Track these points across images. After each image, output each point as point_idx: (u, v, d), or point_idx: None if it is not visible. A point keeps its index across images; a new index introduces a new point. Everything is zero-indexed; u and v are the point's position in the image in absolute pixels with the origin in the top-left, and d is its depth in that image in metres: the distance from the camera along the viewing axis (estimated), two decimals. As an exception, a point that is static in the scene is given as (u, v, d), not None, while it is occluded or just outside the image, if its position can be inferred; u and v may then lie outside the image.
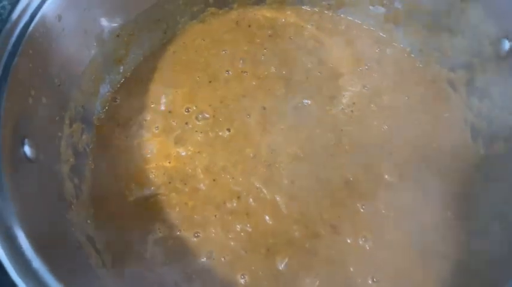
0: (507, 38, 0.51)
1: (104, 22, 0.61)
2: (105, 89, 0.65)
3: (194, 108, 0.65)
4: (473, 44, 0.56)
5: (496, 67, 0.53)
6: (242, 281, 0.54)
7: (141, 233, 0.57)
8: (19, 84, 0.46)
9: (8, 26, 0.47)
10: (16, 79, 0.46)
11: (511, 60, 0.51)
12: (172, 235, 0.57)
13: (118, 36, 0.64)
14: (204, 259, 0.55)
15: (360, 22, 0.70)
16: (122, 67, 0.67)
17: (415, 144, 0.61)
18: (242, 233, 0.56)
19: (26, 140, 0.46)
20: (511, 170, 0.51)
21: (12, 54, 0.45)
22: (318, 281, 0.53)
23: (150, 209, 0.59)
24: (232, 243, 0.56)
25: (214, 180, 0.60)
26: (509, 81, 0.52)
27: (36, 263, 0.38)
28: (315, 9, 0.72)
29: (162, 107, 0.65)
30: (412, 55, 0.67)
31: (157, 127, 0.64)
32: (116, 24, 0.62)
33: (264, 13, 0.72)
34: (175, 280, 0.54)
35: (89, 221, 0.57)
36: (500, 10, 0.50)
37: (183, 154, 0.62)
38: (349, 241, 0.56)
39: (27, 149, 0.46)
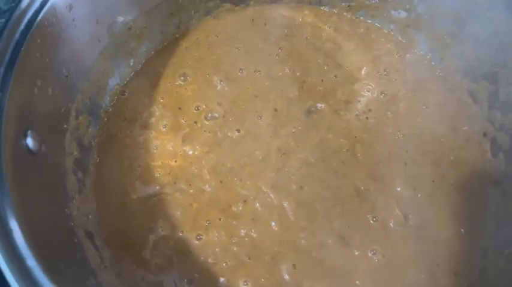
0: (536, 50, 0.48)
1: (116, 14, 0.59)
2: (114, 82, 0.64)
3: (204, 106, 0.63)
4: (499, 55, 0.53)
5: (523, 80, 0.51)
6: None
7: (143, 231, 0.55)
8: (25, 73, 0.45)
9: (17, 13, 0.46)
10: (22, 68, 0.44)
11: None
12: (174, 236, 0.55)
13: (130, 28, 0.62)
14: (205, 263, 0.53)
15: (379, 26, 0.68)
16: (132, 60, 0.65)
17: (431, 156, 0.59)
18: (246, 239, 0.55)
19: (29, 132, 0.45)
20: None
21: (20, 42, 0.44)
22: (322, 293, 0.51)
23: (153, 208, 0.57)
24: (235, 248, 0.54)
25: (220, 182, 0.58)
26: (535, 95, 0.49)
27: (31, 261, 0.36)
28: (334, 10, 0.70)
29: (171, 103, 0.64)
30: (433, 63, 0.64)
31: (165, 124, 0.62)
32: (128, 17, 0.61)
33: (281, 12, 0.70)
34: (175, 282, 0.53)
35: (90, 216, 0.56)
36: (531, 20, 0.48)
37: (190, 153, 0.60)
38: (357, 253, 0.54)
39: (29, 141, 0.45)
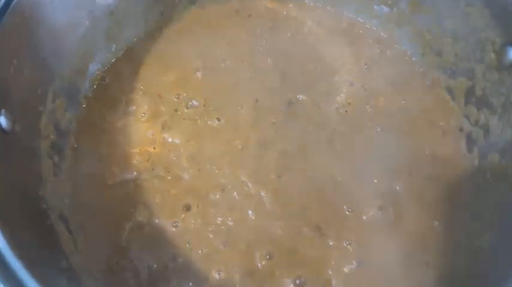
0: (512, 46, 0.49)
1: (98, -2, 0.59)
2: (94, 68, 0.63)
3: (185, 95, 0.63)
4: (476, 51, 0.54)
5: (499, 76, 0.52)
6: (217, 276, 0.52)
7: (118, 217, 0.55)
8: (1, 51, 0.44)
9: (-5, -10, 0.45)
10: (-2, 45, 0.43)
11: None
12: (150, 222, 0.55)
13: (112, 14, 0.62)
14: (180, 250, 0.53)
15: (362, 21, 0.69)
16: (114, 46, 0.65)
17: (408, 149, 0.59)
18: (223, 227, 0.55)
19: (3, 111, 0.44)
20: (503, 183, 0.49)
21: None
22: (296, 281, 0.51)
23: (130, 194, 0.57)
24: (211, 236, 0.54)
25: (199, 170, 0.58)
26: (511, 91, 0.50)
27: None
28: (318, 4, 0.70)
29: (152, 91, 0.63)
30: (413, 59, 0.65)
31: (145, 111, 0.62)
32: (110, 1, 0.60)
33: (266, 4, 0.70)
34: (149, 268, 0.52)
35: (66, 200, 0.55)
36: (508, 17, 0.49)
37: (169, 140, 0.60)
38: (331, 243, 0.54)
39: (2, 120, 0.44)
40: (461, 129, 0.59)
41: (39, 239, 0.45)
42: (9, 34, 0.45)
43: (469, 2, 0.53)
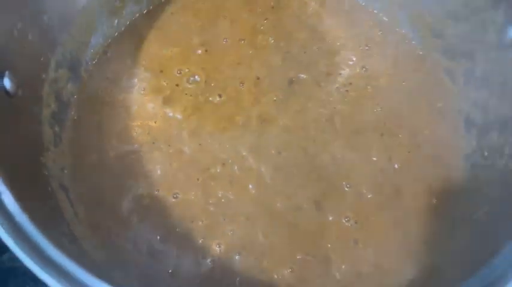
0: (513, 26, 0.50)
1: (102, -32, 0.58)
2: (96, 41, 0.63)
3: (186, 70, 0.63)
4: (477, 31, 0.55)
5: (499, 56, 0.52)
6: (217, 248, 0.53)
7: (118, 188, 0.55)
8: (5, 12, 0.44)
9: (0, -49, 0.45)
10: (3, 6, 0.43)
11: (514, 49, 0.50)
12: (150, 194, 0.55)
13: (115, -13, 0.62)
14: (180, 221, 0.53)
15: (364, 4, 0.69)
16: (116, 20, 0.65)
17: (408, 129, 0.60)
18: (223, 200, 0.55)
19: (7, 73, 0.44)
20: (500, 160, 0.50)
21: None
22: (296, 255, 0.52)
23: (130, 166, 0.57)
24: (211, 208, 0.54)
25: (200, 144, 0.58)
26: (510, 70, 0.51)
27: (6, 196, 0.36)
28: (321, -14, 0.70)
29: (154, 66, 0.63)
30: (414, 42, 0.66)
31: (146, 85, 0.62)
32: (114, -27, 0.60)
33: (270, -16, 0.70)
34: (149, 239, 0.53)
35: (65, 171, 0.55)
36: (509, -5, 0.50)
37: (170, 115, 0.60)
38: (330, 218, 0.54)
39: (6, 82, 0.44)
40: (459, 111, 0.59)
41: (41, 202, 0.45)
42: (14, -4, 0.45)
43: (472, -18, 0.54)
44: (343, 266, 0.52)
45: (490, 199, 0.48)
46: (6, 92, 0.44)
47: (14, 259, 0.32)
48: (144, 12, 0.67)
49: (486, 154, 0.53)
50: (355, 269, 0.52)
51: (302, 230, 0.54)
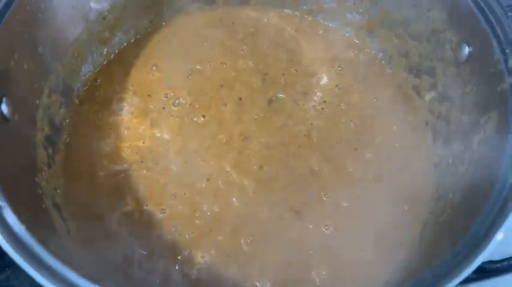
0: (466, 43, 0.55)
1: (92, 2, 0.63)
2: (87, 69, 0.67)
3: (172, 94, 0.67)
4: (437, 50, 0.60)
5: (456, 71, 0.57)
6: (203, 258, 0.55)
7: (109, 205, 0.58)
8: (4, 44, 0.48)
9: (-1, -11, 0.49)
10: (2, 38, 0.47)
11: (469, 64, 0.55)
12: (139, 209, 0.58)
13: (104, 18, 0.66)
14: (168, 235, 0.57)
15: (337, 28, 0.75)
16: (105, 49, 0.69)
17: (380, 142, 0.64)
18: (209, 213, 0.58)
19: (4, 99, 0.48)
20: (461, 166, 0.54)
21: (2, 13, 0.47)
22: (278, 261, 0.55)
23: (119, 184, 0.60)
24: (197, 221, 0.58)
25: (185, 162, 0.62)
26: (467, 84, 0.56)
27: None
28: (296, 13, 0.76)
29: (142, 91, 0.67)
30: (383, 61, 0.71)
31: (135, 109, 0.66)
32: (104, 6, 0.65)
33: (247, 13, 0.76)
34: (139, 253, 0.55)
35: (58, 190, 0.58)
36: (461, 16, 0.55)
37: (158, 135, 0.64)
38: (310, 226, 0.58)
39: (3, 107, 0.47)
40: (427, 123, 0.64)
41: (35, 216, 0.48)
42: (12, 28, 0.49)
43: (430, 6, 0.60)
44: (324, 272, 0.55)
45: (453, 203, 0.52)
46: (3, 116, 0.48)
47: (10, 278, 0.35)
48: (132, 41, 0.72)
49: (450, 161, 0.57)
50: (335, 273, 0.55)
51: (284, 238, 0.57)
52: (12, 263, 0.35)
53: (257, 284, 0.54)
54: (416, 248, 0.55)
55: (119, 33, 0.70)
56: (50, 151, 0.59)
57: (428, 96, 0.63)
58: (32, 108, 0.56)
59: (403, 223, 0.58)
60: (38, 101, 0.57)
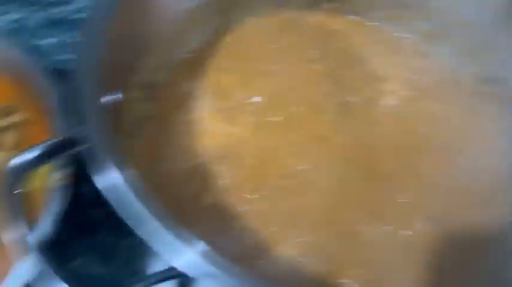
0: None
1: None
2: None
3: (247, 94, 0.69)
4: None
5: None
6: (283, 252, 0.56)
7: (186, 199, 0.60)
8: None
9: None
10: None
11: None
12: (217, 205, 0.59)
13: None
14: (248, 231, 0.58)
15: (405, 35, 0.76)
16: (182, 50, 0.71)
17: (451, 146, 0.65)
18: (289, 209, 0.59)
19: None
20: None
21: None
22: (361, 260, 0.56)
23: (198, 178, 0.62)
24: (278, 217, 0.59)
25: (263, 159, 0.63)
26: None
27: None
28: (365, 20, 0.77)
29: (216, 91, 0.69)
30: (453, 68, 0.72)
31: (211, 107, 0.68)
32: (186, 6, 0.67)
33: (317, 18, 0.77)
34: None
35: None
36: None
37: (235, 133, 0.65)
38: (390, 228, 0.59)
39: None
40: (504, 132, 0.65)
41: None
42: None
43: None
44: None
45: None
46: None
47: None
48: (205, 41, 0.74)
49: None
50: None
51: (364, 238, 0.58)
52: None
53: (341, 281, 0.55)
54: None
55: (194, 35, 0.72)
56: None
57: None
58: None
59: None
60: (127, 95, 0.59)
